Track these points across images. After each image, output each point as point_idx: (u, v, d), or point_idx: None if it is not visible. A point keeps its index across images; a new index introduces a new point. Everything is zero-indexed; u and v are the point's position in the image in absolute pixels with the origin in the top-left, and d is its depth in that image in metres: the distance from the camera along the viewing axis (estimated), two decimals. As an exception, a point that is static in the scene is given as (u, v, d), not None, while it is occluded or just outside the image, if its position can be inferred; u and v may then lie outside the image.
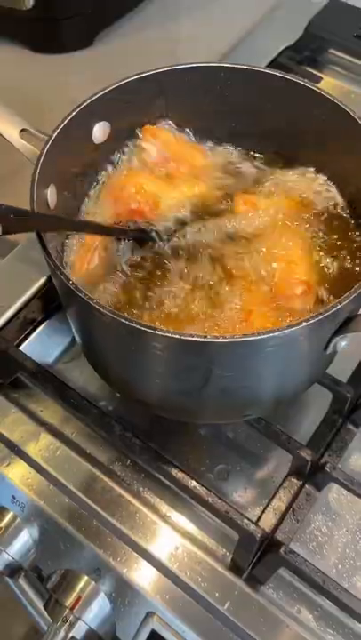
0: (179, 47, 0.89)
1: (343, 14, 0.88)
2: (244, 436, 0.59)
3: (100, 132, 0.53)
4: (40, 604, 0.66)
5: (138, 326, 0.39)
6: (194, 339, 0.39)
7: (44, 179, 0.46)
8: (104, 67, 0.87)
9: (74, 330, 0.52)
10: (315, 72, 0.83)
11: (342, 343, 0.44)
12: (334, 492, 0.56)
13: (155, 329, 0.39)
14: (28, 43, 0.90)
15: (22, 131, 0.50)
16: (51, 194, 0.49)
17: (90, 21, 0.89)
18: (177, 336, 0.39)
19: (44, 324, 0.63)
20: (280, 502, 0.52)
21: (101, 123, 0.53)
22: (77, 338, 0.52)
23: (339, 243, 0.54)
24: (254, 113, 0.56)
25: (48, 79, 0.86)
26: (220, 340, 0.39)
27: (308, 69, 0.83)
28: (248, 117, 0.57)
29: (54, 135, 0.47)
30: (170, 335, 0.39)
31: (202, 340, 0.39)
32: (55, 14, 0.87)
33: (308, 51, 0.84)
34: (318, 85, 0.55)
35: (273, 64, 0.80)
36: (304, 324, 0.38)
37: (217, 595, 0.50)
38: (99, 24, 0.91)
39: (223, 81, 0.55)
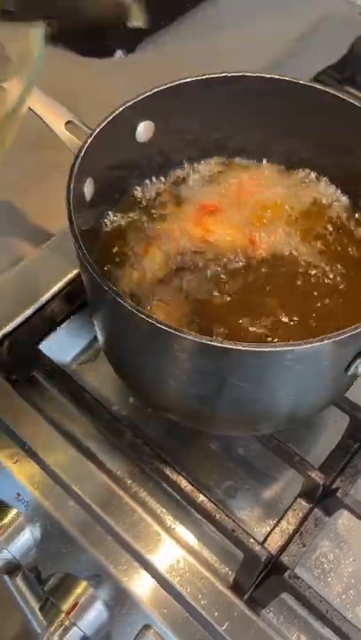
0: (220, 60, 0.89)
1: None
2: (256, 454, 0.58)
3: (144, 131, 0.53)
4: (36, 605, 0.66)
5: (158, 324, 0.39)
6: (211, 343, 0.38)
7: (82, 171, 0.46)
8: (145, 73, 0.87)
9: (97, 326, 0.52)
10: (356, 92, 0.83)
11: (365, 366, 0.43)
12: (344, 519, 0.55)
13: (172, 328, 0.38)
14: (73, 46, 0.91)
15: (68, 123, 0.50)
16: (88, 186, 0.49)
17: (134, 29, 0.90)
18: (194, 338, 0.38)
19: (64, 324, 0.63)
20: (288, 524, 0.51)
21: (146, 122, 0.53)
22: (99, 334, 0.52)
23: None
24: (299, 130, 0.56)
25: (91, 82, 0.87)
26: (237, 347, 0.38)
27: (350, 89, 0.82)
28: (294, 134, 0.57)
29: (98, 129, 0.48)
30: (187, 337, 0.39)
31: (219, 344, 0.38)
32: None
33: (350, 71, 0.84)
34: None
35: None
36: (326, 341, 0.37)
37: (216, 614, 0.48)
38: (142, 32, 0.91)
39: (267, 93, 0.54)
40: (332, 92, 0.51)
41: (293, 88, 0.52)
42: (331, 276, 0.53)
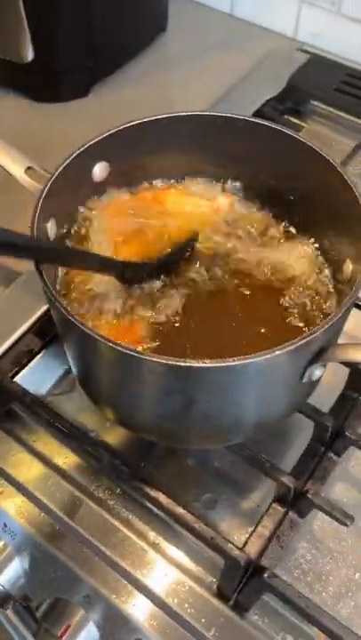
0: (170, 98, 0.95)
1: (323, 68, 0.94)
2: (231, 465, 0.61)
3: (99, 171, 0.58)
4: (27, 634, 0.67)
5: (125, 350, 0.42)
6: (177, 363, 0.41)
7: (45, 212, 0.50)
8: (99, 115, 0.92)
9: (69, 357, 0.54)
10: (297, 121, 0.89)
11: (317, 372, 0.46)
12: (318, 521, 0.58)
13: (136, 352, 0.41)
14: (28, 93, 0.96)
15: (28, 169, 0.54)
16: (51, 227, 0.52)
17: (86, 74, 0.95)
18: (159, 360, 0.41)
19: (38, 357, 0.66)
20: (264, 529, 0.54)
21: (101, 163, 0.57)
22: (72, 365, 0.55)
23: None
24: (242, 160, 0.60)
25: (46, 126, 0.91)
26: (197, 364, 0.41)
27: (291, 119, 0.88)
28: (235, 164, 0.61)
29: (56, 173, 0.51)
30: (151, 358, 0.42)
31: (182, 364, 0.41)
32: (54, 67, 0.92)
33: (290, 102, 0.90)
34: (299, 133, 0.59)
35: (257, 114, 0.86)
36: (277, 352, 0.41)
37: (203, 620, 0.51)
38: (94, 76, 0.96)
39: (216, 129, 0.59)
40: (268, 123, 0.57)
41: (233, 122, 0.57)
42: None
